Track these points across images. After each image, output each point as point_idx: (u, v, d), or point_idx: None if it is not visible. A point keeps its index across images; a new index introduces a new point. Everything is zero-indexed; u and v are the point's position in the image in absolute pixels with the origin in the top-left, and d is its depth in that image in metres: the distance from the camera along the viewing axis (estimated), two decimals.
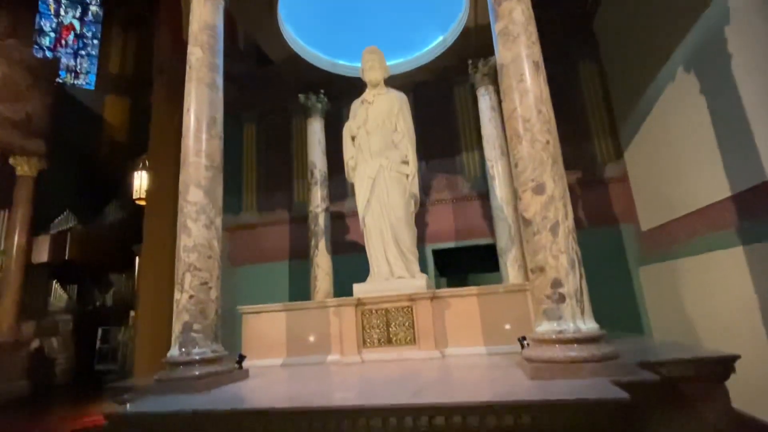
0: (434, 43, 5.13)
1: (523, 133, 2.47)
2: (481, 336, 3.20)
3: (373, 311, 3.32)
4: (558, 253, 2.25)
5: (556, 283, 2.22)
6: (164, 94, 8.42)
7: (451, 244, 7.71)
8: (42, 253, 10.17)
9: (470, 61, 5.11)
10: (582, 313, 2.18)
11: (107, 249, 10.93)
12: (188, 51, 3.21)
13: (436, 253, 7.72)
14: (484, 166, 7.63)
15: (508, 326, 3.29)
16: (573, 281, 2.21)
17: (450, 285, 8.94)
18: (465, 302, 3.28)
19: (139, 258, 9.12)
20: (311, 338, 3.40)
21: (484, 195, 7.42)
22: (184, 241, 2.83)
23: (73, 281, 11.10)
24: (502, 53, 2.66)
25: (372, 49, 4.09)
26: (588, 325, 2.16)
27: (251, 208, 8.43)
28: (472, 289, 3.31)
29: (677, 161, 5.23)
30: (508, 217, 4.78)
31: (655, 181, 5.95)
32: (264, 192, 8.48)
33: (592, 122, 7.25)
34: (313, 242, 5.22)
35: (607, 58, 7.14)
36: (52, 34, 14.01)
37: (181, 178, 2.99)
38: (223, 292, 8.07)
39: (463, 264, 8.44)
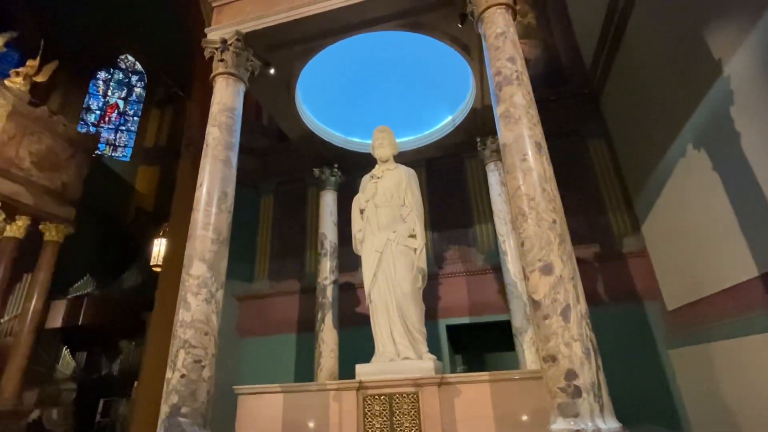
0: (443, 122, 5.35)
1: (528, 212, 2.43)
2: (496, 429, 2.90)
3: (376, 396, 3.08)
4: (571, 340, 2.09)
5: (571, 375, 2.04)
6: (190, 166, 8.88)
7: (465, 320, 7.41)
8: (57, 318, 10.18)
9: (479, 139, 5.28)
10: (601, 409, 1.96)
11: (120, 315, 10.90)
12: (207, 131, 3.40)
13: (450, 329, 7.40)
14: (497, 239, 7.55)
15: (525, 417, 2.99)
16: (589, 373, 2.02)
17: (465, 363, 8.44)
18: (476, 389, 3.02)
19: (147, 326, 9.02)
20: (309, 425, 3.15)
21: (498, 268, 7.23)
22: (182, 316, 2.77)
23: (83, 347, 10.96)
24: (504, 134, 2.72)
25: (382, 128, 4.28)
26: (609, 425, 1.93)
27: (263, 277, 8.40)
28: (484, 375, 3.07)
29: (698, 238, 5.06)
30: (523, 295, 4.58)
31: (677, 256, 5.72)
32: (276, 261, 8.50)
33: (605, 196, 7.22)
34: (319, 315, 5.08)
35: (615, 134, 7.29)
36: (98, 112, 15.35)
37: (187, 251, 3.01)
38: (228, 367, 7.81)
39: (480, 341, 8.04)
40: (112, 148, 14.94)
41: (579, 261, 6.73)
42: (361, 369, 3.43)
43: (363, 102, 5.46)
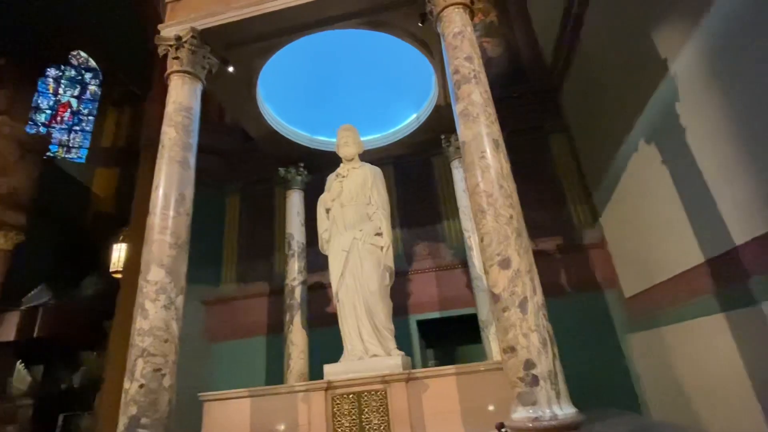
0: (408, 120, 5.38)
1: (487, 208, 2.49)
2: (465, 422, 2.96)
3: (345, 396, 3.08)
4: (528, 331, 2.16)
5: (529, 365, 2.11)
6: (149, 167, 8.50)
7: (435, 315, 7.51)
8: (9, 331, 9.59)
9: (443, 136, 5.34)
10: (558, 396, 2.04)
11: (80, 325, 10.38)
12: (162, 131, 3.29)
13: (421, 324, 7.48)
14: (464, 235, 7.69)
15: (491, 408, 3.07)
16: (546, 362, 2.10)
17: (437, 357, 8.56)
18: (443, 383, 3.08)
19: (109, 335, 8.66)
20: (278, 428, 3.11)
21: (466, 263, 7.37)
22: (139, 324, 2.67)
23: (40, 361, 10.39)
24: (463, 132, 2.77)
25: (347, 127, 4.26)
26: (565, 411, 2.01)
27: (231, 280, 8.22)
28: (450, 369, 3.13)
29: (650, 227, 5.33)
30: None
31: (632, 246, 6.01)
32: (244, 263, 8.33)
33: (566, 190, 7.47)
34: (288, 317, 5.02)
35: (574, 130, 7.55)
36: (49, 111, 14.49)
37: (143, 257, 2.91)
38: (197, 373, 7.60)
39: (450, 335, 8.16)
40: (65, 149, 14.15)
41: (542, 253, 6.96)
42: (329, 369, 3.42)
43: (328, 100, 5.43)
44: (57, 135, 13.93)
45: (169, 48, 3.54)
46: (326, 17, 3.67)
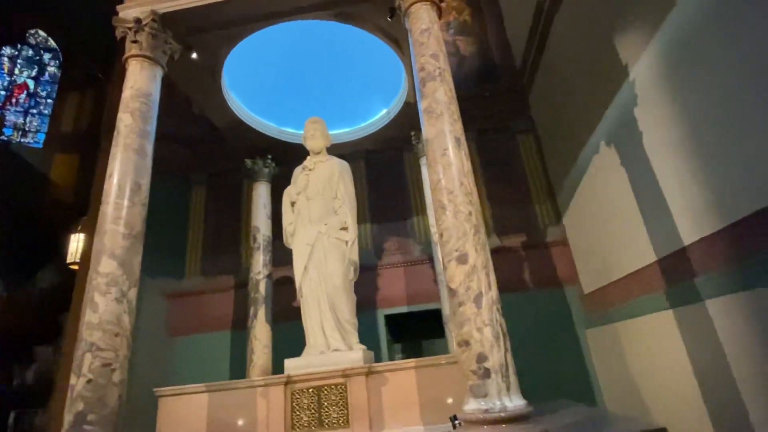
0: (379, 115, 5.38)
1: (447, 205, 2.52)
2: (423, 414, 3.01)
3: (304, 390, 3.07)
4: (482, 325, 2.21)
5: (482, 358, 2.16)
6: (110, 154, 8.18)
7: (403, 309, 7.58)
8: None
9: (413, 133, 5.37)
10: (508, 388, 2.10)
11: (34, 318, 9.90)
12: (118, 117, 3.16)
13: (389, 319, 7.54)
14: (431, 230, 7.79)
15: (450, 400, 3.13)
16: (498, 355, 2.16)
17: (404, 351, 8.65)
18: (404, 376, 3.11)
19: (64, 329, 8.29)
20: (236, 424, 3.07)
21: (433, 258, 7.48)
22: (88, 317, 2.57)
23: None
24: (427, 129, 2.79)
25: (314, 119, 4.22)
26: (515, 402, 2.07)
27: (195, 273, 8.02)
28: (410, 362, 3.17)
29: (608, 227, 5.54)
30: None
31: (591, 245, 6.23)
32: (210, 257, 8.14)
33: (533, 189, 7.66)
34: (252, 311, 4.95)
35: (541, 130, 7.74)
36: (3, 93, 13.63)
37: (94, 247, 2.79)
38: (156, 368, 7.38)
39: (418, 329, 8.26)
40: (20, 133, 13.37)
41: (507, 249, 7.10)
42: (290, 363, 3.40)
43: (298, 92, 5.35)
44: (11, 118, 13.14)
45: (128, 31, 3.39)
46: (295, 6, 3.60)
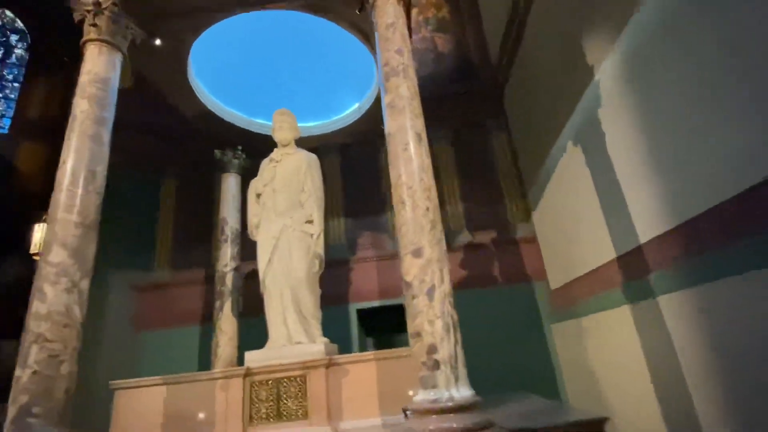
0: (351, 109, 5.36)
1: (406, 199, 2.55)
2: (381, 406, 3.04)
3: (263, 382, 3.07)
4: (434, 317, 2.25)
5: (432, 349, 2.20)
6: None
7: (375, 303, 7.62)
8: None
9: (383, 127, 5.37)
10: (456, 380, 2.15)
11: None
12: (74, 103, 3.07)
13: (361, 313, 7.57)
14: None
15: (411, 392, 3.17)
16: (448, 347, 2.20)
17: (377, 345, 8.71)
18: (364, 368, 3.14)
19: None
20: (194, 417, 3.05)
21: None
22: (36, 308, 2.50)
23: None
24: (389, 123, 2.81)
25: (282, 111, 4.18)
26: (462, 393, 2.12)
27: (164, 266, 7.87)
28: (371, 354, 3.19)
29: (574, 225, 5.69)
30: None
31: (558, 241, 6.39)
32: (180, 249, 7.99)
33: (505, 186, 7.79)
34: (218, 304, 4.89)
35: (514, 128, 7.86)
36: None
37: (45, 237, 2.71)
38: (123, 362, 7.21)
39: (390, 323, 8.31)
40: None
41: (479, 246, 7.21)
42: (250, 356, 3.38)
43: (269, 84, 5.28)
44: None
45: (87, 13, 3.28)
46: None
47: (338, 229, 7.92)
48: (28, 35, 14.22)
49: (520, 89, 7.30)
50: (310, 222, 3.74)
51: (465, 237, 7.48)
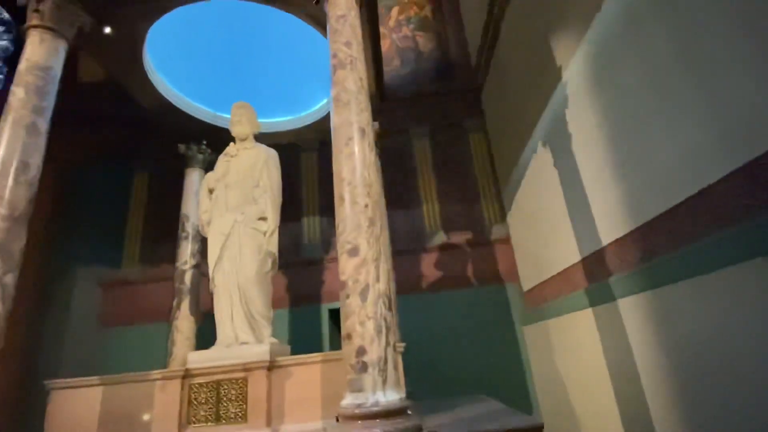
0: (321, 103, 5.27)
1: (345, 196, 2.46)
2: (324, 409, 2.95)
3: (203, 384, 2.96)
4: (365, 318, 2.17)
5: (361, 351, 2.12)
6: None
7: None
8: None
9: None
10: (384, 383, 2.07)
11: None
12: (10, 91, 2.93)
13: (334, 313, 7.47)
14: None
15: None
16: (377, 349, 2.12)
17: None
18: (308, 370, 3.05)
19: None
20: (131, 419, 2.93)
21: None
22: None
23: None
24: (334, 117, 2.72)
25: (240, 104, 4.07)
26: (389, 397, 2.04)
27: (133, 262, 7.70)
28: (316, 356, 3.10)
29: (543, 226, 5.65)
30: None
31: (530, 243, 6.35)
32: (149, 245, 7.83)
33: (480, 187, 7.75)
34: (175, 302, 4.77)
35: (490, 129, 7.82)
36: None
37: None
38: (87, 360, 7.01)
39: None
40: None
41: (453, 246, 7.13)
42: (193, 356, 3.28)
43: (236, 78, 5.17)
44: None
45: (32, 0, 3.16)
46: None
47: (314, 228, 7.82)
48: (15, 26, 13.87)
49: (496, 90, 7.26)
50: (263, 219, 3.63)
51: (440, 237, 7.42)
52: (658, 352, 3.34)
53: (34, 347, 7.09)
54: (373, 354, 2.10)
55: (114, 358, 7.03)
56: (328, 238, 7.80)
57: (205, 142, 5.22)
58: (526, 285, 6.59)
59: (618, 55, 3.59)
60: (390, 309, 2.27)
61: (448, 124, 8.29)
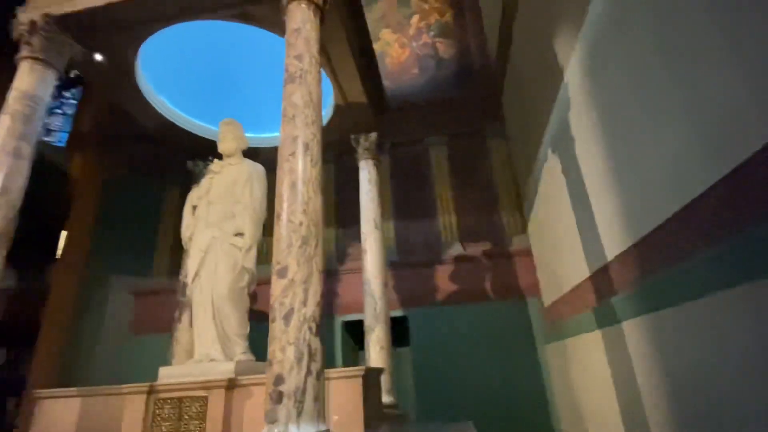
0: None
1: (282, 213, 2.38)
2: None
3: (167, 400, 2.98)
4: (286, 344, 2.06)
5: (279, 380, 2.00)
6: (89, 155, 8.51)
7: (362, 316, 7.42)
8: None
9: (353, 136, 5.23)
10: (299, 414, 1.93)
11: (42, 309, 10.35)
12: None
13: (350, 325, 7.40)
14: (398, 238, 7.60)
15: (336, 417, 2.97)
16: (296, 378, 1.99)
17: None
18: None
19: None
20: (101, 431, 3.02)
21: (395, 265, 7.29)
22: None
23: (5, 344, 10.52)
24: (281, 131, 2.66)
25: (227, 121, 4.14)
26: (302, 430, 1.91)
27: (163, 272, 8.15)
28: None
29: (558, 238, 5.23)
30: (375, 292, 4.59)
31: (548, 255, 5.91)
32: (179, 255, 8.22)
33: (501, 195, 7.37)
34: (176, 314, 4.92)
35: (510, 134, 7.43)
36: None
37: None
38: (119, 366, 7.44)
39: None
40: (45, 132, 13.85)
41: (470, 259, 6.80)
42: (163, 371, 3.32)
43: (237, 94, 5.31)
44: None
45: (24, 33, 3.42)
46: (190, 7, 3.55)
47: (329, 239, 7.84)
48: None
49: (513, 94, 6.90)
50: (240, 235, 3.64)
51: (456, 249, 7.13)
52: (661, 387, 2.91)
53: (71, 353, 7.67)
54: (290, 383, 1.98)
55: (144, 365, 7.41)
56: (343, 250, 7.78)
57: (211, 158, 5.38)
58: (547, 300, 6.13)
59: (608, 56, 3.24)
60: (317, 335, 2.14)
61: (467, 132, 7.99)
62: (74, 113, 14.81)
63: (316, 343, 2.12)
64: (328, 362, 7.03)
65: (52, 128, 14.39)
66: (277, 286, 2.21)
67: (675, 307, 2.50)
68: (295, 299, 2.15)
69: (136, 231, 8.26)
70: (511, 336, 6.46)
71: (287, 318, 2.11)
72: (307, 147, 2.54)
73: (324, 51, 4.07)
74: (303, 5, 2.97)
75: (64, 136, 14.32)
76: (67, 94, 15.15)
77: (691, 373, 2.50)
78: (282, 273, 2.22)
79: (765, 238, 1.80)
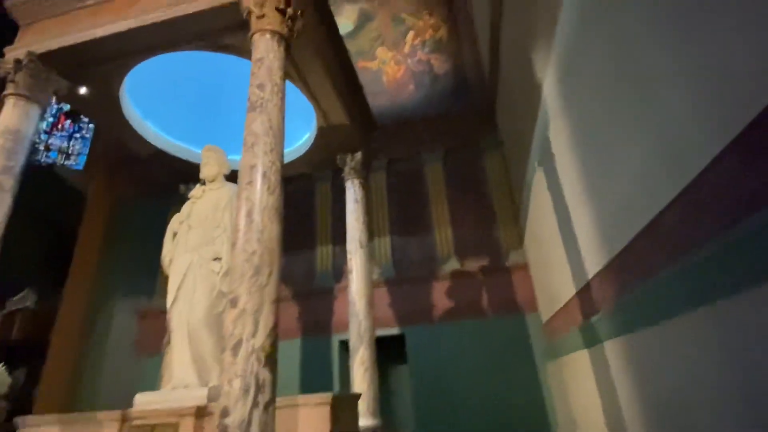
0: (303, 140, 5.34)
1: (237, 242, 2.40)
2: None
3: (140, 427, 3.00)
4: (234, 376, 2.05)
5: (224, 413, 1.99)
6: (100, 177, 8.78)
7: None
8: None
9: (339, 156, 5.27)
10: None
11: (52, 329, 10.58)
12: None
13: (345, 344, 7.35)
14: (394, 254, 7.56)
15: None
16: (241, 411, 1.98)
17: None
18: None
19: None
20: None
21: (392, 281, 7.24)
22: None
23: (22, 364, 10.79)
24: (241, 160, 2.70)
25: (209, 147, 4.23)
26: None
27: (165, 292, 8.25)
28: None
29: (547, 253, 5.13)
30: (359, 312, 4.56)
31: (543, 270, 5.80)
32: None
33: (497, 209, 7.29)
34: (166, 338, 4.94)
35: (506, 149, 7.38)
36: (51, 119, 14.79)
37: None
38: (125, 387, 7.54)
39: (388, 354, 7.99)
40: (64, 156, 14.35)
41: (467, 274, 6.72)
42: (139, 398, 3.35)
43: (225, 119, 5.41)
44: (56, 142, 14.14)
45: (10, 71, 3.59)
46: (168, 39, 3.66)
47: (325, 257, 7.85)
48: None
49: (506, 108, 6.87)
50: (218, 259, 3.68)
51: (452, 264, 7.05)
52: (642, 414, 2.79)
53: (78, 372, 7.81)
54: (235, 416, 1.97)
55: (148, 386, 7.48)
56: (339, 267, 7.77)
57: (191, 184, 5.49)
58: (544, 316, 5.99)
59: (578, 69, 3.20)
60: (266, 365, 2.13)
61: (463, 145, 7.97)
62: (91, 137, 15.33)
63: (264, 374, 2.11)
64: (326, 382, 6.99)
65: (71, 152, 14.90)
66: (230, 315, 2.22)
67: (651, 327, 2.41)
68: (244, 330, 2.15)
69: (140, 252, 8.44)
70: (510, 353, 6.32)
71: (235, 349, 2.11)
72: (264, 175, 2.56)
73: (301, 77, 4.16)
74: (267, 36, 3.04)
75: (83, 159, 14.80)
76: (85, 117, 15.67)
77: (668, 399, 2.39)
78: (234, 302, 2.23)
79: (720, 255, 1.72)
